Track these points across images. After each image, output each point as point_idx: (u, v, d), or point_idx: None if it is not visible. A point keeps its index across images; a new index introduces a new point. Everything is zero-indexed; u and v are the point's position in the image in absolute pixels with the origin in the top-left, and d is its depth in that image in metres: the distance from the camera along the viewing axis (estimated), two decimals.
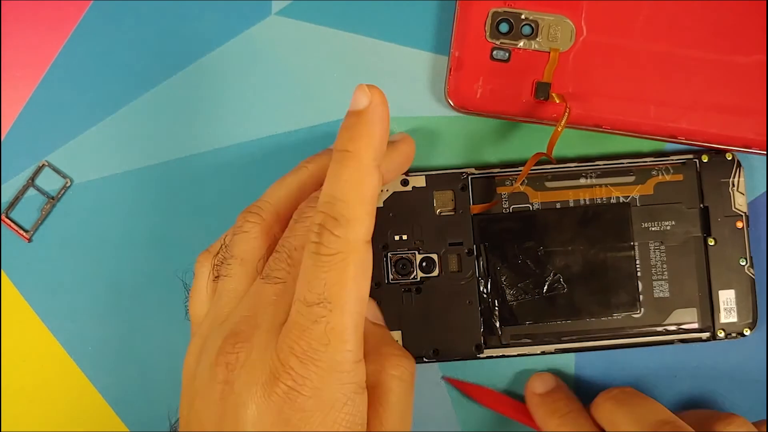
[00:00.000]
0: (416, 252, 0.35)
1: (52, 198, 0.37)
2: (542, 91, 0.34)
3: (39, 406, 0.37)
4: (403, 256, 0.35)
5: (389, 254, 0.35)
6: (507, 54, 0.35)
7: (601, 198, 0.35)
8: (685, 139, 0.34)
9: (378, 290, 0.35)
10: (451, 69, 0.35)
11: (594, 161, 0.35)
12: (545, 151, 0.33)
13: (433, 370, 0.36)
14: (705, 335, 0.35)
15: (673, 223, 0.35)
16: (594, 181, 0.35)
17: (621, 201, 0.35)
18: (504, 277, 0.35)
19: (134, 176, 0.37)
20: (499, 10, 0.34)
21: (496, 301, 0.35)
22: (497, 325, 0.35)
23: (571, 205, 0.35)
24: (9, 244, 0.37)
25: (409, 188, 0.35)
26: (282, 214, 0.32)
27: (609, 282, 0.35)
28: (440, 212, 0.35)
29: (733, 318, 0.35)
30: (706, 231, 0.35)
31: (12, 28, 0.37)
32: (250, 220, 0.31)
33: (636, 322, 0.35)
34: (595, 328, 0.35)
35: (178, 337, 0.36)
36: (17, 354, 0.37)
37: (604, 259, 0.35)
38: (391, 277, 0.35)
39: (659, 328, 0.35)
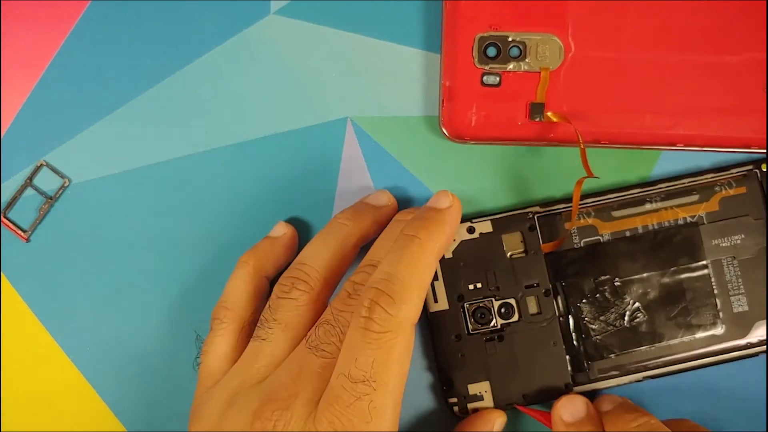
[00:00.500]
0: (493, 299, 0.34)
1: (50, 198, 0.37)
2: (537, 111, 0.34)
3: (38, 406, 0.36)
4: (481, 304, 0.34)
5: (466, 304, 0.34)
6: (498, 78, 0.34)
7: (669, 221, 0.35)
8: (684, 145, 0.34)
9: (459, 342, 0.34)
10: (443, 100, 0.34)
11: (656, 184, 0.35)
12: (585, 175, 0.33)
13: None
14: None
15: (743, 236, 0.35)
16: (659, 204, 0.35)
17: (688, 221, 0.35)
18: (584, 313, 0.35)
19: (132, 176, 0.37)
20: (485, 34, 0.34)
21: (579, 338, 0.35)
22: (584, 362, 0.34)
23: (640, 231, 0.35)
24: (7, 244, 0.37)
25: (476, 235, 0.35)
26: (328, 280, 0.32)
27: (687, 303, 0.35)
28: (511, 255, 0.35)
29: None
30: None
31: (11, 27, 0.37)
32: (299, 288, 0.32)
33: (719, 339, 0.35)
34: (679, 350, 0.35)
35: (178, 337, 0.36)
36: (16, 354, 0.36)
37: (679, 281, 0.35)
38: (470, 327, 0.34)
39: (742, 342, 0.34)
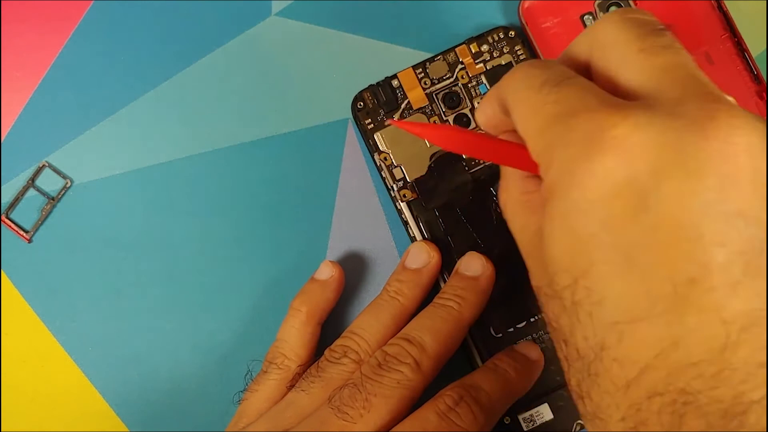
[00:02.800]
0: None
1: (53, 198, 0.37)
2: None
3: (39, 406, 0.36)
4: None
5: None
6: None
7: None
8: None
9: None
10: None
11: None
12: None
13: None
14: None
15: None
16: None
17: None
18: None
19: (134, 177, 0.37)
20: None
21: None
22: None
23: None
24: (9, 245, 0.37)
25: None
26: (375, 350, 0.33)
27: None
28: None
29: None
30: None
31: (12, 28, 0.37)
32: (349, 357, 0.32)
33: None
34: None
35: (178, 337, 0.36)
36: (17, 354, 0.36)
37: None
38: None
39: None
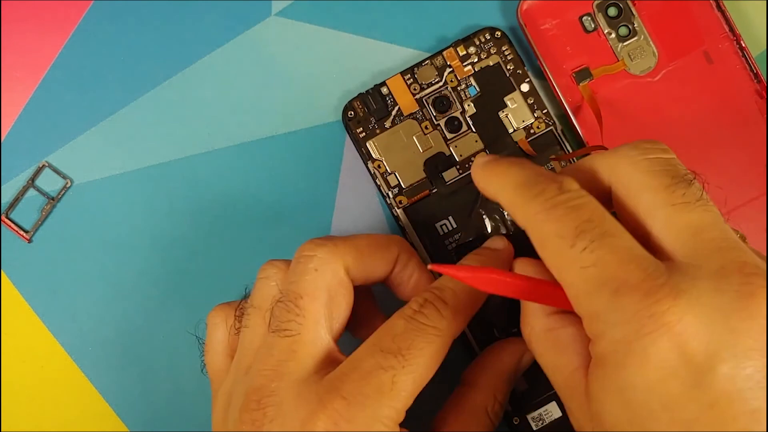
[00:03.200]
0: None
1: (52, 199, 0.37)
2: (583, 77, 0.35)
3: (39, 406, 0.36)
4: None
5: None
6: (593, 26, 0.36)
7: None
8: None
9: None
10: None
11: None
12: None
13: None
14: None
15: None
16: None
17: None
18: None
19: (134, 177, 0.37)
20: None
21: None
22: None
23: None
24: (9, 245, 0.37)
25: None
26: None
27: None
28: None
29: None
30: None
31: (12, 28, 0.37)
32: (275, 265, 0.31)
33: None
34: None
35: (179, 337, 0.36)
36: (17, 354, 0.37)
37: None
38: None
39: None
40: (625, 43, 0.35)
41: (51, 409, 0.37)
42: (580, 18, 0.36)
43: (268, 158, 0.37)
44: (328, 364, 0.29)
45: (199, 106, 0.37)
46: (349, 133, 0.35)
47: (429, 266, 0.28)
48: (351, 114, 0.35)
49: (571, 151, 0.35)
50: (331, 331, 0.29)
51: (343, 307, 0.30)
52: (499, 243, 0.32)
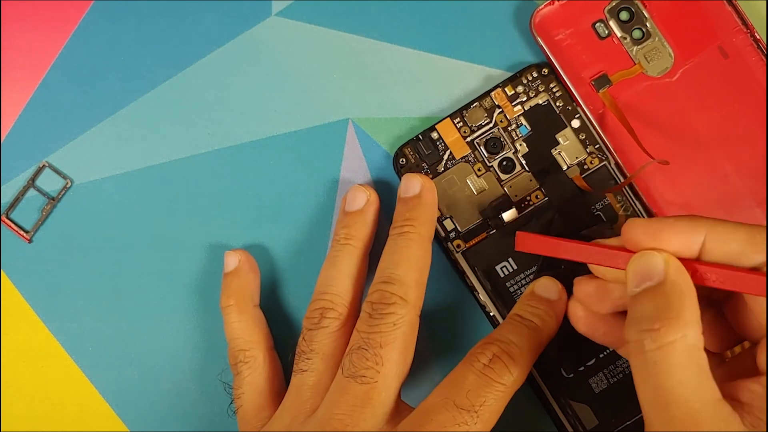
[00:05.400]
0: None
1: (53, 199, 0.37)
2: (603, 83, 0.35)
3: (39, 406, 0.37)
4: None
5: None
6: (606, 32, 0.35)
7: None
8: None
9: None
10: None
11: None
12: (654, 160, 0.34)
13: None
14: None
15: None
16: None
17: None
18: None
19: (134, 177, 0.37)
20: None
21: None
22: None
23: None
24: (9, 245, 0.37)
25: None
26: (352, 302, 0.33)
27: None
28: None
29: None
30: None
31: (12, 28, 0.37)
32: (328, 316, 0.32)
33: None
34: None
35: (179, 337, 0.36)
36: (17, 354, 0.37)
37: None
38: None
39: None
40: (640, 46, 0.35)
41: (51, 409, 0.37)
42: (593, 25, 0.35)
43: (268, 159, 0.37)
44: (397, 413, 0.30)
45: (199, 106, 0.37)
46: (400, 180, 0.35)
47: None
48: (402, 161, 0.35)
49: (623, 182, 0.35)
50: (402, 379, 0.31)
51: (411, 354, 0.32)
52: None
